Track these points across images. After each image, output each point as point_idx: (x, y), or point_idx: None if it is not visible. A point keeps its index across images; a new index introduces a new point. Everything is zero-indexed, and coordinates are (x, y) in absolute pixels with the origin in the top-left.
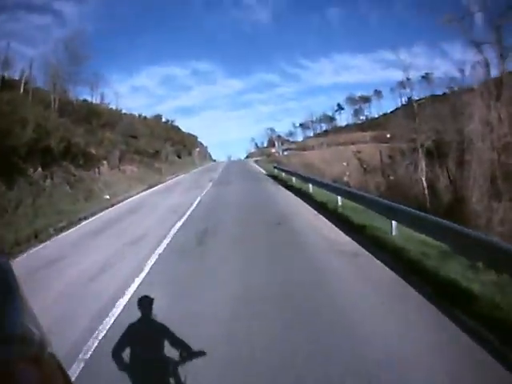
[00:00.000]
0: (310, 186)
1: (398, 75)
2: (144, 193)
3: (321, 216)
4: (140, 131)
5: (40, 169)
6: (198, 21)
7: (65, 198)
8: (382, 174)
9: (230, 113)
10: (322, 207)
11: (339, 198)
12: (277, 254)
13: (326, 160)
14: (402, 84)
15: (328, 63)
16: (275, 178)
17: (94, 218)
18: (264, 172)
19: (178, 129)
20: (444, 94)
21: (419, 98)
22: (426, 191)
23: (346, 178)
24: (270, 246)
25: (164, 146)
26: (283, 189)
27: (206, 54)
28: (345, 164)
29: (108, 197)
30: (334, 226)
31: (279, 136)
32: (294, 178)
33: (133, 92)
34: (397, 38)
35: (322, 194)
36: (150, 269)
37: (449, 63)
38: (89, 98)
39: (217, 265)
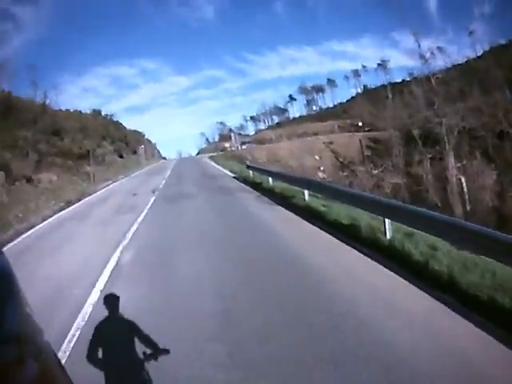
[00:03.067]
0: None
1: (347, 66)
2: (44, 223)
3: None
4: (66, 127)
5: None
6: (143, 19)
7: None
8: (366, 168)
9: (179, 110)
10: None
11: None
12: None
13: (294, 153)
14: (356, 72)
15: (274, 56)
16: (256, 185)
17: None
18: (230, 174)
19: (118, 124)
20: (403, 81)
21: (375, 86)
22: (461, 193)
23: (321, 174)
24: None
25: (101, 144)
26: (308, 224)
27: (153, 52)
28: (317, 157)
29: None
30: None
31: (231, 130)
32: (306, 192)
33: (83, 92)
34: (344, 29)
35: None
36: None
37: (397, 53)
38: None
39: None
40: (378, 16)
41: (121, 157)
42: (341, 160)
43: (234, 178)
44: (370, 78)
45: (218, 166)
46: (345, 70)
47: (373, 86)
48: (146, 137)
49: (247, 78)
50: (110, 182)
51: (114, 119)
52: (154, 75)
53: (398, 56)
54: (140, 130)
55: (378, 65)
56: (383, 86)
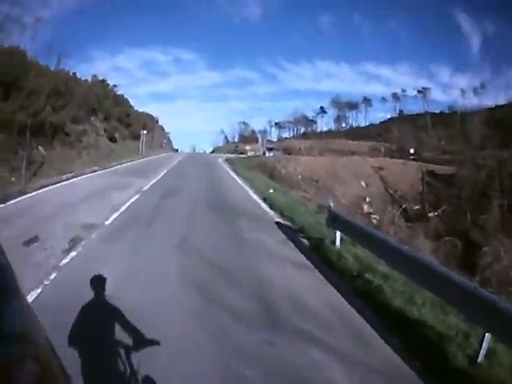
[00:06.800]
0: None
1: (379, 89)
2: None
3: None
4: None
5: None
6: (185, 8)
7: None
8: (423, 209)
9: (202, 104)
10: None
11: None
12: None
13: (336, 174)
14: (395, 95)
15: (309, 68)
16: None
17: None
18: (271, 213)
19: (122, 99)
20: (441, 112)
21: (411, 113)
22: None
23: (366, 208)
24: None
25: (85, 119)
26: None
27: (189, 43)
28: (363, 184)
29: None
30: None
31: (254, 131)
32: None
33: (113, 71)
34: (383, 53)
35: None
36: None
37: (433, 84)
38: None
39: None
40: (418, 47)
41: (111, 140)
42: (391, 192)
43: (289, 237)
44: (405, 105)
45: (239, 181)
46: (377, 92)
47: (409, 113)
48: (158, 123)
49: (278, 85)
50: (60, 178)
51: (118, 92)
52: (186, 66)
53: (433, 87)
54: (153, 114)
55: (418, 92)
56: (420, 115)
